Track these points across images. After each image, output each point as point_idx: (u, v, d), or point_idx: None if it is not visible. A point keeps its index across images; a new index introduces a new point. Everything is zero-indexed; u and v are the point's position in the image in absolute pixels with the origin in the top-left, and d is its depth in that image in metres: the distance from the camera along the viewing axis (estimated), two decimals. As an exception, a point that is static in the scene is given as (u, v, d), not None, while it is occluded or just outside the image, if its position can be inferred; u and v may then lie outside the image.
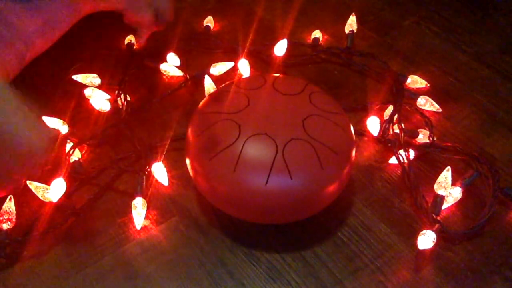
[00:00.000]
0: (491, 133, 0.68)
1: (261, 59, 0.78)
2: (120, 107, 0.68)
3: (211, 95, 0.60)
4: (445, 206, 0.59)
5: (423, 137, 0.66)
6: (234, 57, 0.76)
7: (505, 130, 0.68)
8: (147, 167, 0.61)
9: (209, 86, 0.71)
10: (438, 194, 0.58)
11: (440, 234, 0.56)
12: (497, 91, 0.74)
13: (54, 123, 0.65)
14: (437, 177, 0.59)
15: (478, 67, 0.78)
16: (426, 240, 0.54)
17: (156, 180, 0.61)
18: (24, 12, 0.63)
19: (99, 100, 0.69)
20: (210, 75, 0.72)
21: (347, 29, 0.80)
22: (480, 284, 0.53)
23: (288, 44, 0.77)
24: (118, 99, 0.69)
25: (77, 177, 0.62)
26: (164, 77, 0.76)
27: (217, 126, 0.54)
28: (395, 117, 0.66)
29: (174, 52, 0.76)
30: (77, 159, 0.62)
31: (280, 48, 0.77)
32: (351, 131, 0.56)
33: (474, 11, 0.87)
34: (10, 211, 0.55)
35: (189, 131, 0.56)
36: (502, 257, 0.56)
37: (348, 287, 0.53)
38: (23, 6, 0.63)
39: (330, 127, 0.54)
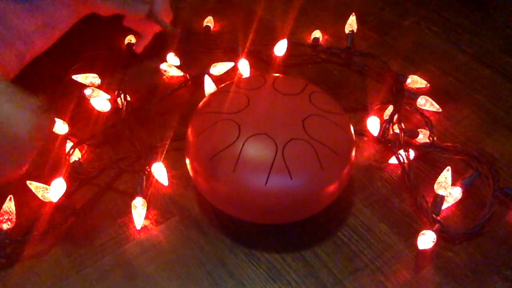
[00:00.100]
0: (491, 133, 0.68)
1: (261, 59, 0.78)
2: (120, 107, 0.68)
3: (211, 95, 0.60)
4: (445, 206, 0.59)
5: (423, 137, 0.65)
6: (234, 57, 0.76)
7: (505, 130, 0.68)
8: (147, 167, 0.61)
9: (209, 86, 0.71)
10: (438, 194, 0.58)
11: (440, 234, 0.56)
12: (497, 91, 0.74)
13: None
14: (437, 177, 0.59)
15: (478, 67, 0.78)
16: (426, 240, 0.54)
17: (156, 180, 0.61)
18: (24, 12, 0.63)
19: (99, 100, 0.69)
20: (210, 75, 0.72)
21: (347, 29, 0.80)
22: (480, 284, 0.53)
23: (288, 44, 0.77)
24: (118, 99, 0.69)
25: (77, 177, 0.62)
26: (164, 77, 0.76)
27: (217, 126, 0.54)
28: (395, 117, 0.66)
29: (174, 52, 0.76)
30: (77, 159, 0.62)
31: (280, 48, 0.77)
32: (351, 131, 0.56)
33: (474, 11, 0.87)
34: (10, 211, 0.55)
35: (189, 131, 0.56)
36: (502, 257, 0.55)
37: (348, 287, 0.53)
38: (23, 6, 0.63)
39: (330, 127, 0.54)
